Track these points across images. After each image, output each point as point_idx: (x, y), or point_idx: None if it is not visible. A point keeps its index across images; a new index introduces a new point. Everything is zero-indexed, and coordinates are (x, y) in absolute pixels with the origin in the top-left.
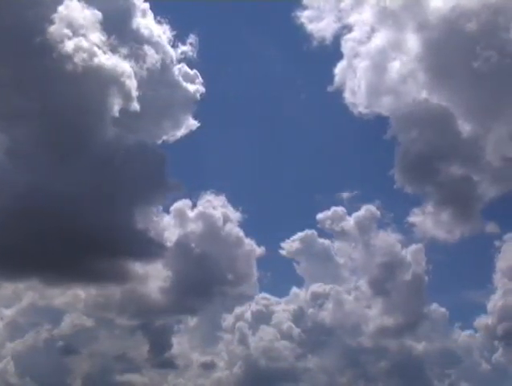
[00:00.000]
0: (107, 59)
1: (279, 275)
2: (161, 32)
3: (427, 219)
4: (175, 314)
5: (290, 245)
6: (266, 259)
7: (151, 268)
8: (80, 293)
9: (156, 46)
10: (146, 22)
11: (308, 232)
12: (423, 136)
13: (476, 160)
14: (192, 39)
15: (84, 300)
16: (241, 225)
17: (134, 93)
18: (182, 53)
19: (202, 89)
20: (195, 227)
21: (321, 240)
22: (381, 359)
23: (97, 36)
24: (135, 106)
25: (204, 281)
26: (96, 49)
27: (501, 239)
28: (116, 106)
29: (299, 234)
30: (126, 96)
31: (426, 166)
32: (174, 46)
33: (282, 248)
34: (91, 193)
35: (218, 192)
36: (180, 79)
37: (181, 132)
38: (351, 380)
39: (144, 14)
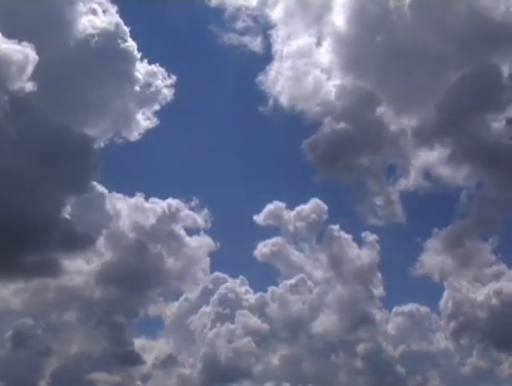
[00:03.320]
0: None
1: (237, 272)
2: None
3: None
4: (125, 309)
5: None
6: (221, 256)
7: (82, 262)
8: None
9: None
10: None
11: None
12: (345, 129)
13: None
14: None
15: (21, 297)
16: (189, 221)
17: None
18: None
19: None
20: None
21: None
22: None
23: None
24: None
25: (149, 276)
26: None
27: (427, 234)
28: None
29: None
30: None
31: (346, 159)
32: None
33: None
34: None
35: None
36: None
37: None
38: (314, 376)
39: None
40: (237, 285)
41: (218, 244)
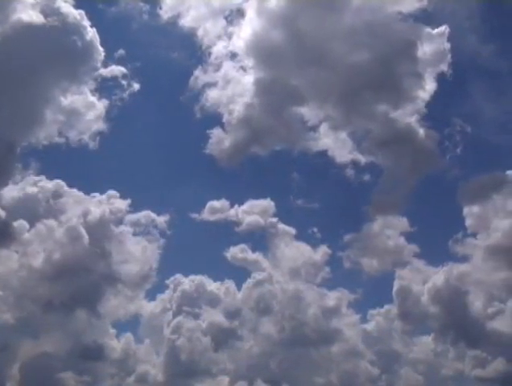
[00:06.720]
0: None
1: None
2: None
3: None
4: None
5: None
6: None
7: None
8: None
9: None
10: None
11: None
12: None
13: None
14: None
15: None
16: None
17: None
18: None
19: None
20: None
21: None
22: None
23: None
24: None
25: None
26: None
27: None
28: None
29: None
30: None
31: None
32: None
33: None
34: None
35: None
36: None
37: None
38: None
39: None
40: (198, 283)
41: (171, 242)
